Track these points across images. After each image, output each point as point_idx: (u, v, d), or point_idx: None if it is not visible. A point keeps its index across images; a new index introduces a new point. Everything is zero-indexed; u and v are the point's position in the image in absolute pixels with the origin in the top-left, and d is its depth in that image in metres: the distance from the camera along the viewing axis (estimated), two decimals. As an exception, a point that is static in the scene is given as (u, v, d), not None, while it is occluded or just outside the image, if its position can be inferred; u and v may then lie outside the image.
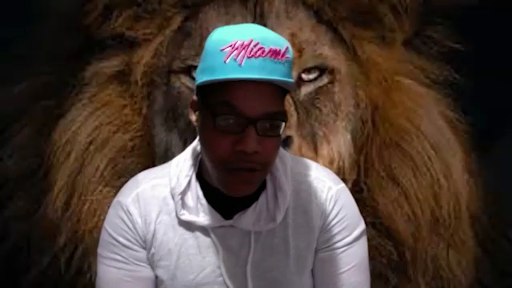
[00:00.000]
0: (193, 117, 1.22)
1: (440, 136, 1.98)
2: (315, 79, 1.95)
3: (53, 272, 1.99)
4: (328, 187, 1.30)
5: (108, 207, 1.35)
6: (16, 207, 2.06)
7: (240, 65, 1.11)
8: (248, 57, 1.11)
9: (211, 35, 1.18)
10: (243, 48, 1.11)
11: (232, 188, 1.18)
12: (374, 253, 1.89)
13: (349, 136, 1.95)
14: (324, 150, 1.91)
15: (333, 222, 1.29)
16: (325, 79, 1.95)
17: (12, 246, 2.07)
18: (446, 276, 2.00)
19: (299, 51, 1.93)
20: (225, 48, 1.12)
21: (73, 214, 1.94)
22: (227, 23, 1.90)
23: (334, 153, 1.92)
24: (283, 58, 1.14)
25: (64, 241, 1.95)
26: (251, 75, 1.11)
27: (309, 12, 1.96)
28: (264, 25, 1.91)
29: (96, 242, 1.77)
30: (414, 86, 2.00)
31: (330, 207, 1.29)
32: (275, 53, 1.13)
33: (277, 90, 1.15)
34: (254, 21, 1.93)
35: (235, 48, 1.11)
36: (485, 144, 2.10)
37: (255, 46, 1.11)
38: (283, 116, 1.16)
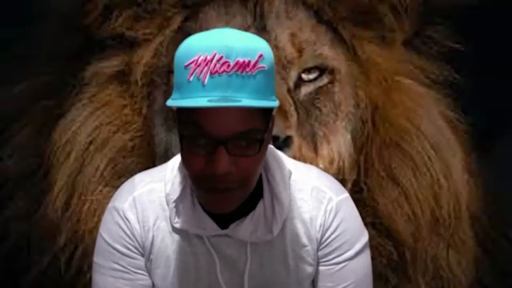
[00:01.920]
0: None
1: (440, 136, 1.98)
2: (315, 79, 1.95)
3: (53, 272, 1.99)
4: (328, 199, 1.25)
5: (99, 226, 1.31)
6: (16, 207, 2.06)
7: (203, 84, 1.03)
8: (212, 74, 1.03)
9: (179, 47, 1.10)
10: (206, 64, 1.03)
11: (211, 206, 1.15)
12: (374, 253, 1.88)
13: (349, 136, 1.95)
14: (324, 150, 1.91)
15: (333, 236, 1.25)
16: (325, 79, 1.95)
17: (12, 246, 2.07)
18: (446, 276, 2.00)
19: (299, 51, 1.93)
20: (189, 64, 1.05)
21: (73, 214, 1.93)
22: (227, 23, 1.90)
23: (334, 153, 1.92)
24: (254, 69, 1.05)
25: (64, 241, 1.95)
26: (213, 95, 1.03)
27: (309, 12, 1.96)
28: (264, 25, 1.92)
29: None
30: (414, 86, 2.00)
31: (330, 220, 1.25)
32: (242, 66, 1.04)
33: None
34: (254, 21, 1.93)
35: (198, 64, 1.04)
36: (485, 144, 2.10)
37: (218, 60, 1.03)
38: (257, 134, 1.08)
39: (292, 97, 1.90)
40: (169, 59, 1.95)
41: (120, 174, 1.92)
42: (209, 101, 1.03)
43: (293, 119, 1.87)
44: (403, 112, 1.97)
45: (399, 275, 1.97)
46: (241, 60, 1.04)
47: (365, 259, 1.29)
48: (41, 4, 2.02)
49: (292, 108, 1.88)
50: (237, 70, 1.04)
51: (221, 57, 1.03)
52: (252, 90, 1.05)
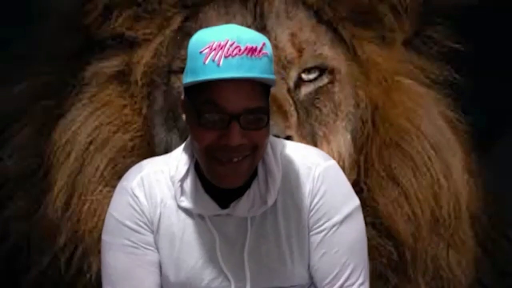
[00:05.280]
0: (184, 116, 1.27)
1: (440, 136, 1.98)
2: (315, 79, 1.95)
3: (53, 272, 1.99)
4: (316, 164, 1.31)
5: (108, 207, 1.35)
6: (16, 207, 2.06)
7: (218, 65, 1.15)
8: (226, 57, 1.15)
9: (191, 38, 1.22)
10: (220, 49, 1.16)
11: (221, 180, 1.22)
12: (374, 253, 1.89)
13: (349, 136, 1.95)
14: (324, 150, 1.90)
15: (322, 201, 1.30)
16: (325, 79, 1.95)
17: (12, 246, 2.07)
18: (446, 276, 2.00)
19: (299, 51, 1.93)
20: (204, 50, 1.17)
21: (73, 214, 1.94)
22: (227, 23, 1.89)
23: (334, 153, 1.92)
24: (260, 54, 1.18)
25: (64, 241, 1.95)
26: (229, 74, 1.15)
27: (309, 12, 1.96)
28: (264, 25, 1.92)
29: (96, 242, 1.77)
30: (414, 86, 2.00)
31: (318, 185, 1.30)
32: (251, 50, 1.17)
33: (257, 86, 1.19)
34: (254, 21, 1.93)
35: (213, 49, 1.16)
36: (485, 144, 2.10)
37: (231, 45, 1.16)
38: (264, 110, 1.21)
39: (292, 97, 1.91)
40: (169, 59, 1.95)
41: (120, 174, 1.90)
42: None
43: (293, 119, 1.87)
44: (403, 112, 1.97)
45: (399, 275, 1.97)
46: (249, 45, 1.17)
47: (356, 223, 1.33)
48: (41, 4, 2.02)
49: (292, 108, 1.89)
50: (247, 54, 1.17)
51: (233, 43, 1.16)
52: (260, 71, 1.18)
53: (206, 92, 1.18)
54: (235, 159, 1.20)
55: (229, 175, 1.21)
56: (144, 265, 1.31)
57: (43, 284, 2.03)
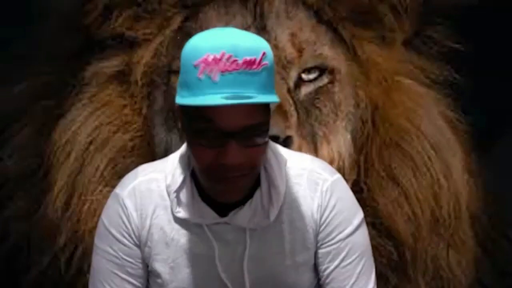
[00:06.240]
0: (180, 123, 1.23)
1: (440, 136, 1.98)
2: (315, 79, 1.95)
3: (53, 272, 1.99)
4: (323, 179, 1.31)
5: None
6: (16, 207, 2.06)
7: (214, 81, 1.09)
8: (222, 72, 1.09)
9: (185, 47, 1.15)
10: (216, 63, 1.09)
11: (220, 196, 1.21)
12: (374, 253, 1.88)
13: (349, 136, 1.95)
14: (324, 150, 1.91)
15: (332, 214, 1.30)
16: (325, 79, 1.95)
17: (12, 246, 2.07)
18: (446, 276, 2.00)
19: (299, 51, 1.93)
20: (198, 64, 1.10)
21: (73, 214, 1.94)
22: (227, 23, 1.90)
23: (334, 153, 1.92)
24: (260, 66, 1.11)
25: (64, 241, 1.95)
26: (225, 92, 1.09)
27: (309, 12, 1.96)
28: (264, 25, 1.92)
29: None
30: (414, 86, 2.00)
31: (327, 199, 1.30)
32: (249, 63, 1.10)
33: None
34: (254, 21, 1.93)
35: (208, 63, 1.09)
36: (485, 144, 2.10)
37: (228, 59, 1.09)
38: (263, 126, 1.16)
39: (292, 97, 1.90)
40: (169, 59, 1.95)
41: (120, 174, 1.92)
42: (224, 98, 1.09)
43: (293, 119, 1.87)
44: (403, 112, 1.97)
45: (399, 275, 1.97)
46: (248, 58, 1.10)
47: (364, 233, 1.34)
48: (41, 4, 2.02)
49: (292, 108, 1.89)
50: (245, 68, 1.10)
51: (230, 56, 1.09)
52: (259, 86, 1.12)
53: (201, 109, 1.11)
54: (234, 176, 1.16)
55: (228, 191, 1.20)
56: (122, 274, 1.31)
57: (43, 284, 2.03)
